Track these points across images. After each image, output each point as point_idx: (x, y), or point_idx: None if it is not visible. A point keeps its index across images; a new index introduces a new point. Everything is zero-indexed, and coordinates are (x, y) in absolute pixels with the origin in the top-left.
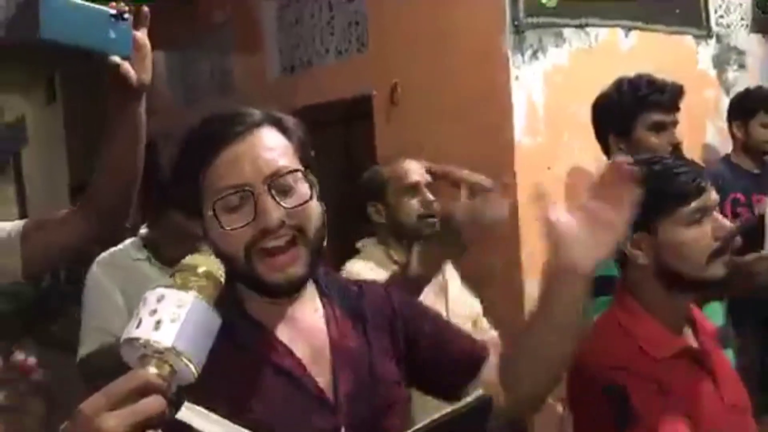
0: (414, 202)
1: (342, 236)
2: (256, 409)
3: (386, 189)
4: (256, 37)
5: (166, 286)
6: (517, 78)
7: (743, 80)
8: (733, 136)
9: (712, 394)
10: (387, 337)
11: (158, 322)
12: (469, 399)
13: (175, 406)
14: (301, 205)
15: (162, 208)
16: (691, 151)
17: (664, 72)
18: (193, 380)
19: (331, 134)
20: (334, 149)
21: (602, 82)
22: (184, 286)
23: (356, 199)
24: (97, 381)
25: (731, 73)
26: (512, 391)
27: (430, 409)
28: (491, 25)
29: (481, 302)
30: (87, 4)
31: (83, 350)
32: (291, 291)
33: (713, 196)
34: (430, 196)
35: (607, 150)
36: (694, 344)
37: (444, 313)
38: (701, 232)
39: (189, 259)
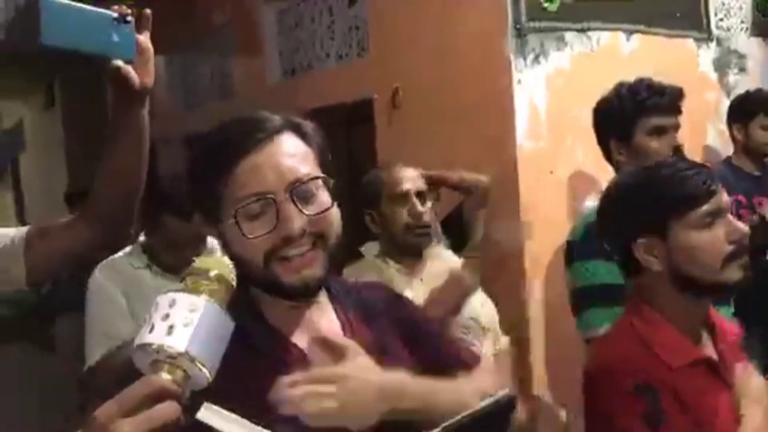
0: (403, 212)
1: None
2: (274, 411)
3: (381, 197)
4: (257, 40)
5: (178, 290)
6: (519, 82)
7: (744, 83)
8: (733, 138)
9: (728, 405)
10: (396, 339)
11: (171, 327)
12: (494, 398)
13: (189, 411)
14: (322, 212)
15: (159, 214)
16: (692, 154)
17: (665, 75)
18: (206, 385)
19: (332, 138)
20: (334, 153)
21: (604, 85)
22: (195, 290)
23: (357, 204)
24: (106, 390)
25: (732, 76)
26: None
27: None
28: (493, 29)
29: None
30: (89, 7)
31: (91, 359)
32: (308, 293)
33: (725, 198)
34: (420, 207)
35: (608, 155)
36: (712, 352)
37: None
38: (714, 236)
39: (199, 263)
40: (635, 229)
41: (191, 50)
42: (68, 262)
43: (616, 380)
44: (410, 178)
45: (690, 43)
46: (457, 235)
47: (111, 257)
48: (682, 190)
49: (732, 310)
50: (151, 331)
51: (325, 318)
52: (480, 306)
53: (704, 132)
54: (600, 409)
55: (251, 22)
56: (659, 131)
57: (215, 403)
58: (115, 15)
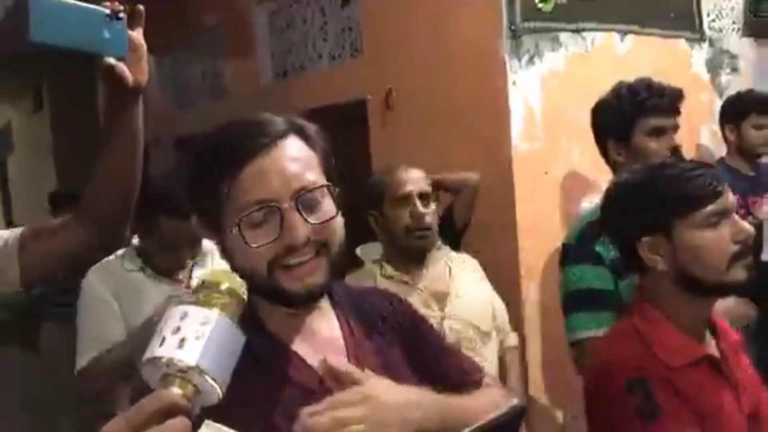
0: (404, 214)
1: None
2: (274, 422)
3: (383, 198)
4: (249, 41)
5: (189, 303)
6: (513, 83)
7: (736, 83)
8: (726, 139)
9: (731, 403)
10: (398, 345)
11: (182, 340)
12: (505, 408)
13: (194, 427)
14: (326, 221)
15: (153, 215)
16: (686, 154)
17: (659, 75)
18: (217, 401)
19: None
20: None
21: (599, 86)
22: (208, 303)
23: (353, 205)
24: (94, 391)
25: (724, 77)
26: None
27: None
28: (487, 30)
29: None
30: (80, 4)
31: (81, 361)
32: (310, 300)
33: (731, 198)
34: (421, 209)
35: (606, 155)
36: (715, 351)
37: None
38: (719, 236)
39: (211, 276)
40: (641, 227)
41: (183, 50)
42: (63, 263)
43: (612, 379)
44: (413, 180)
45: (683, 43)
46: (449, 235)
47: (104, 259)
48: (688, 190)
49: None
50: (162, 344)
51: (326, 324)
52: (481, 311)
53: (698, 132)
54: (600, 410)
55: (243, 23)
56: (658, 132)
57: (219, 413)
58: (107, 11)
